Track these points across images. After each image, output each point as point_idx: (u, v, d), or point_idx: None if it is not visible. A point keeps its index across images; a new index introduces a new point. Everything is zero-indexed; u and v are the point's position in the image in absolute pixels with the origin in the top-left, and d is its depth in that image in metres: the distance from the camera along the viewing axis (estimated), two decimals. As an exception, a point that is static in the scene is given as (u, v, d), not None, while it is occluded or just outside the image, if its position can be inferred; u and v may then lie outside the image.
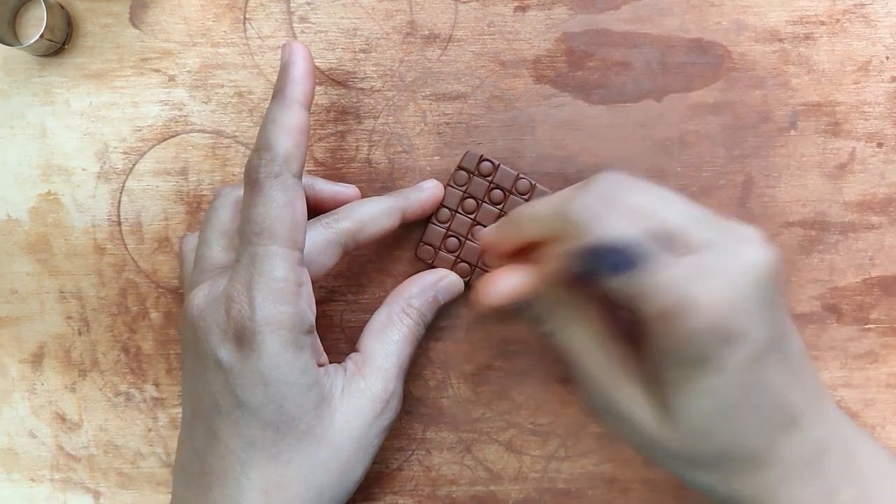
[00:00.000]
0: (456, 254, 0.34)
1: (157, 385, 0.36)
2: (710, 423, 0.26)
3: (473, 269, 0.34)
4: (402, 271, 0.35)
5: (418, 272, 0.34)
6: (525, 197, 0.33)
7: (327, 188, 0.33)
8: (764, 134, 0.34)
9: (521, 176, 0.33)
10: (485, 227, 0.34)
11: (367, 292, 0.35)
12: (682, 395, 0.25)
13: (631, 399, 0.27)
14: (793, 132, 0.34)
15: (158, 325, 0.35)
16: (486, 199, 0.34)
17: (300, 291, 0.28)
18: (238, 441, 0.28)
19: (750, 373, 0.25)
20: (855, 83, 0.34)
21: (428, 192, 0.33)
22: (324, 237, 0.30)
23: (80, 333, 0.36)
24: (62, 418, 0.36)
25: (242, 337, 0.27)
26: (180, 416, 0.36)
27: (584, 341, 0.28)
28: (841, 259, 0.34)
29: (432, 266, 0.34)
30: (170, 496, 0.35)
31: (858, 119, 0.34)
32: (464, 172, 0.33)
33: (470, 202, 0.34)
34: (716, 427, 0.26)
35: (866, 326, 0.34)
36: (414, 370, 0.35)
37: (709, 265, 0.24)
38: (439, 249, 0.34)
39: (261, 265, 0.27)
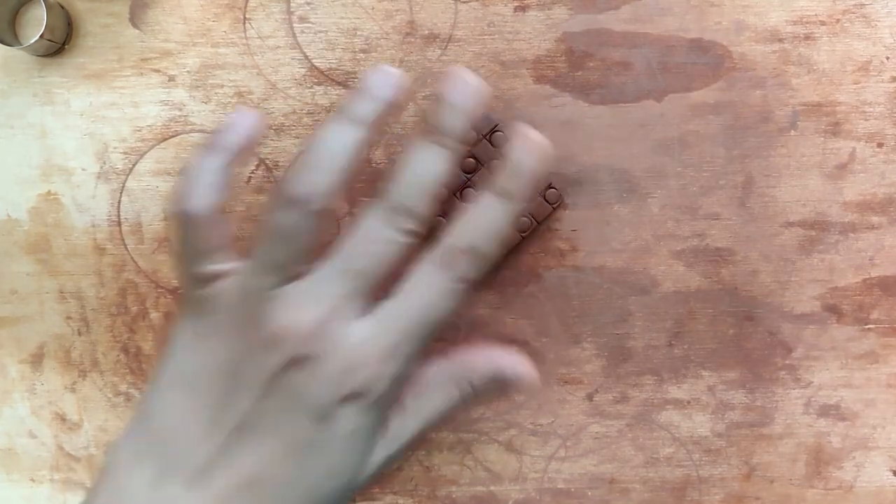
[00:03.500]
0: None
1: (157, 385, 0.36)
2: None
3: None
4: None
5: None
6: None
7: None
8: (764, 134, 0.34)
9: (498, 129, 0.33)
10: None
11: (367, 292, 0.35)
12: None
13: None
14: (793, 132, 0.34)
15: (158, 326, 0.35)
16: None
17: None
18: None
19: None
20: (855, 83, 0.34)
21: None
22: None
23: (80, 333, 0.36)
24: (62, 418, 0.36)
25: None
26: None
27: None
28: (841, 259, 0.34)
29: None
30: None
31: (858, 119, 0.34)
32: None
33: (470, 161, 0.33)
34: None
35: (866, 326, 0.34)
36: (414, 370, 0.35)
37: None
38: None
39: None
